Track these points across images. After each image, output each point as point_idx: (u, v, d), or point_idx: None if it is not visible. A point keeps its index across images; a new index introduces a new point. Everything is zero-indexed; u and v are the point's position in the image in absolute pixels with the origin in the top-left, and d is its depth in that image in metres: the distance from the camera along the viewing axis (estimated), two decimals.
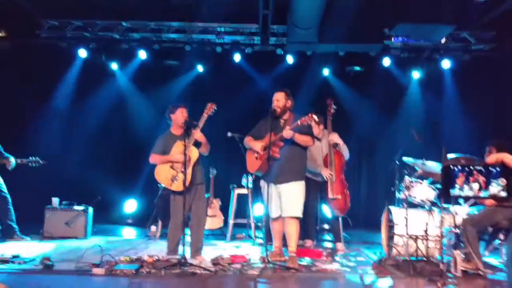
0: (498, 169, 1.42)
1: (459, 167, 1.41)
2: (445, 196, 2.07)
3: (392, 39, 8.16)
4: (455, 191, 1.52)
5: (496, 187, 1.39)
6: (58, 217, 6.49)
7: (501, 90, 8.11)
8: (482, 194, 1.56)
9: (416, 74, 8.48)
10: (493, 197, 1.64)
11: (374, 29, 7.35)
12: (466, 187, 1.48)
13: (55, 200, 6.63)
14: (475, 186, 1.46)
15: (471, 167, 1.40)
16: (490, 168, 1.37)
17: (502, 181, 1.39)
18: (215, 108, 5.05)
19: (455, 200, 4.87)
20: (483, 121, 8.00)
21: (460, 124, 8.04)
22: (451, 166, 1.42)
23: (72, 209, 6.56)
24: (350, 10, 6.99)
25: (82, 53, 8.38)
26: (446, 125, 8.10)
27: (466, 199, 4.83)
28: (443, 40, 8.14)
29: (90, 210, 6.66)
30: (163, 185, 5.28)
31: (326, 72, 8.54)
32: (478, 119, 7.99)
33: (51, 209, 6.54)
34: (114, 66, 8.63)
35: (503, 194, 1.39)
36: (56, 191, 6.83)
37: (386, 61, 8.33)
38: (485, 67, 8.21)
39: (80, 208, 6.58)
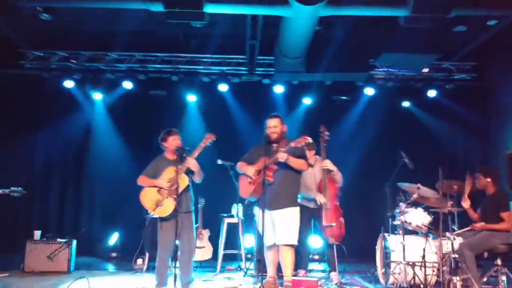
0: None
1: None
2: None
3: (377, 69, 8.33)
4: None
5: None
6: (40, 251, 6.21)
7: (484, 117, 8.33)
8: None
9: (404, 103, 8.63)
10: None
11: (360, 58, 7.49)
12: None
13: (37, 233, 6.35)
14: None
15: None
16: None
17: None
18: (214, 139, 4.94)
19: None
20: (469, 147, 8.13)
21: (448, 151, 8.17)
22: None
23: (55, 241, 6.29)
24: (337, 40, 7.13)
25: (68, 83, 8.25)
26: (434, 151, 8.18)
27: None
28: (426, 70, 8.34)
29: (74, 242, 6.40)
30: (149, 212, 5.09)
31: (312, 101, 8.58)
32: (464, 146, 8.12)
33: (33, 242, 6.26)
34: (99, 96, 8.50)
35: None
36: (39, 223, 6.58)
37: (372, 90, 8.44)
38: (468, 95, 8.42)
39: (63, 240, 6.32)
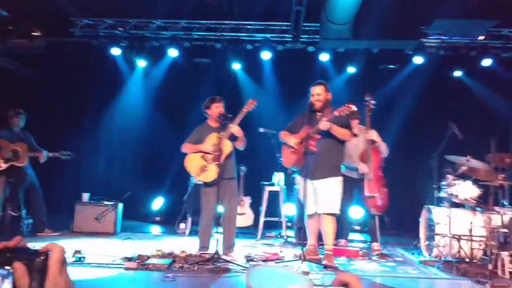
0: None
1: None
2: None
3: (428, 36, 7.93)
4: None
5: None
6: (88, 212, 6.47)
7: None
8: None
9: (455, 72, 8.23)
10: None
11: (411, 25, 7.15)
12: None
13: (86, 195, 6.62)
14: None
15: None
16: None
17: None
18: (256, 105, 4.92)
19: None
20: None
21: (500, 123, 7.79)
22: None
23: (102, 204, 6.54)
24: (387, 5, 6.81)
25: (115, 51, 8.39)
26: (486, 123, 7.80)
27: None
28: (481, 37, 7.87)
29: (120, 205, 6.63)
30: (192, 178, 5.18)
31: (358, 69, 8.34)
32: None
33: (81, 204, 6.54)
34: (143, 63, 8.63)
35: None
36: (87, 186, 6.84)
37: (421, 59, 8.09)
38: None
39: (110, 203, 6.56)
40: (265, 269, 0.80)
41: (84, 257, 4.58)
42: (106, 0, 7.79)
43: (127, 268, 4.30)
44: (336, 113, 4.54)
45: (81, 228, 6.41)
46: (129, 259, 4.49)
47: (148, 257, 4.60)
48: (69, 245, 5.20)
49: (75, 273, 4.16)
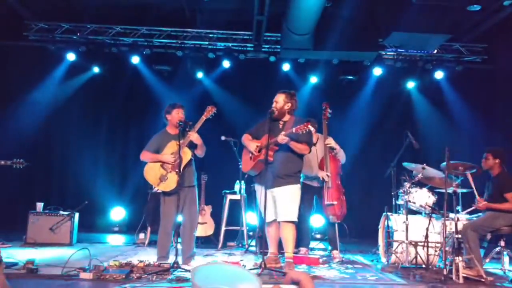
0: None
1: None
2: None
3: (386, 49, 8.20)
4: None
5: None
6: (42, 223, 6.21)
7: (492, 100, 8.24)
8: None
9: (410, 84, 8.53)
10: None
11: (369, 37, 7.35)
12: None
13: (40, 205, 6.36)
14: None
15: None
16: None
17: None
18: (215, 112, 4.91)
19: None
20: (475, 130, 8.08)
21: (453, 133, 8.11)
22: None
23: (58, 214, 6.30)
24: (346, 18, 6.98)
25: (70, 56, 8.22)
26: (440, 133, 8.11)
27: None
28: (435, 51, 8.20)
29: (76, 215, 6.41)
30: (153, 187, 5.09)
31: (319, 79, 8.49)
32: (470, 128, 8.07)
33: (35, 214, 6.27)
34: (101, 69, 8.45)
35: None
36: (40, 195, 6.57)
37: (379, 71, 8.34)
38: (477, 78, 8.30)
39: (66, 213, 6.33)
40: (213, 267, 0.77)
41: (36, 268, 4.38)
42: (63, 4, 7.61)
43: (82, 279, 4.14)
44: (293, 130, 4.56)
45: (35, 239, 6.14)
46: (85, 270, 4.33)
47: (105, 268, 4.45)
48: (21, 256, 4.97)
49: (26, 286, 3.98)
